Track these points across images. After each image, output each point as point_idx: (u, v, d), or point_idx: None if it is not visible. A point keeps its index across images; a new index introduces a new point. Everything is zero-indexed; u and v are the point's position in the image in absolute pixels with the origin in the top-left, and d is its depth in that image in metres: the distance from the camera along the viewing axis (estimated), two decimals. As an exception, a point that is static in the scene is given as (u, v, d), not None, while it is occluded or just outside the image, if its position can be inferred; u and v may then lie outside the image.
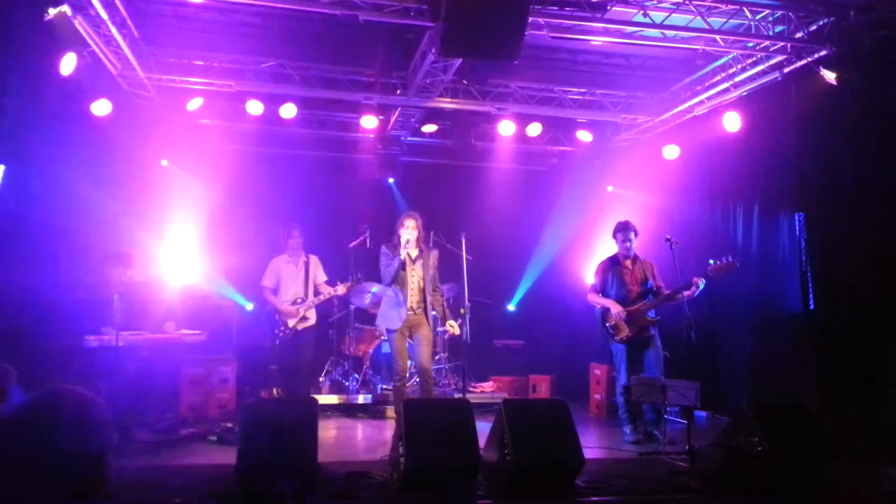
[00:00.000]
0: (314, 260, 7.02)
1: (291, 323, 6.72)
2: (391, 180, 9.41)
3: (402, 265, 6.04)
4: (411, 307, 6.04)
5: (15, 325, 5.59)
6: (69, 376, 5.40)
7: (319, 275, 6.99)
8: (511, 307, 9.60)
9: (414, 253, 6.11)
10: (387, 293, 6.16)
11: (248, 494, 4.05)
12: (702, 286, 5.96)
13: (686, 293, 5.96)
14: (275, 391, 7.11)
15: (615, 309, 6.26)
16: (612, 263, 6.48)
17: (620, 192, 9.10)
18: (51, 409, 1.66)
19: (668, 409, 6.41)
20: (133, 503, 3.98)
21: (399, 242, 6.02)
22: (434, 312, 6.24)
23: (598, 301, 6.45)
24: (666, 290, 6.25)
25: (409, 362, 6.23)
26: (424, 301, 6.08)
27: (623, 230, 6.41)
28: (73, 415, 1.69)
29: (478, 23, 5.20)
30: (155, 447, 5.45)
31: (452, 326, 6.35)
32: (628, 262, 6.42)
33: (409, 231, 6.01)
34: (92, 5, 5.54)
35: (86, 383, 5.42)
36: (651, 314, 6.29)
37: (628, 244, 6.38)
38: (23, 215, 6.14)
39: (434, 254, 6.24)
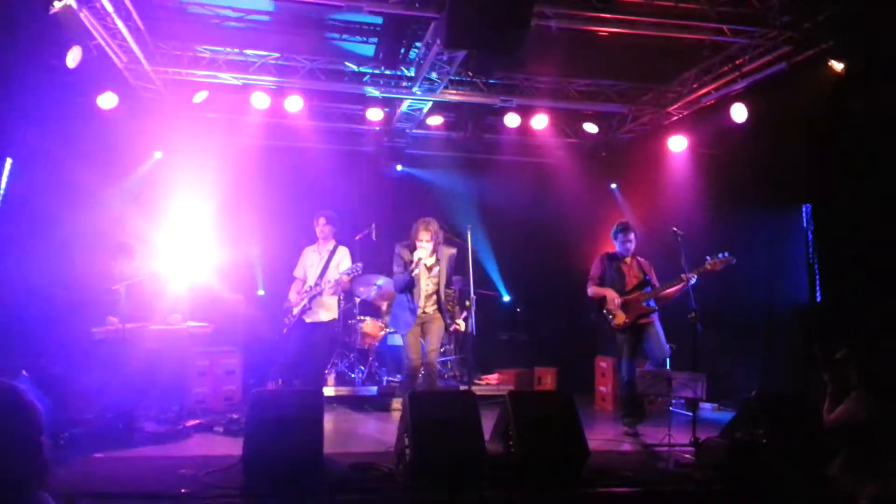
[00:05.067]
0: (342, 251, 6.62)
1: (296, 311, 6.50)
2: (399, 167, 9.38)
3: (415, 282, 5.92)
4: (423, 309, 6.02)
5: (22, 318, 5.62)
6: (75, 368, 5.45)
7: (343, 266, 6.53)
8: (506, 298, 9.55)
9: (430, 262, 6.01)
10: (398, 295, 6.12)
11: (255, 485, 4.07)
12: (692, 282, 5.94)
13: (674, 288, 6.04)
14: (273, 384, 7.08)
15: (611, 295, 6.36)
16: (611, 258, 6.57)
17: (625, 188, 9.08)
18: None
19: (673, 401, 6.41)
20: (140, 494, 4.01)
21: (415, 248, 5.87)
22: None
23: (596, 291, 6.52)
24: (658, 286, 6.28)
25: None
26: (439, 302, 6.06)
27: (623, 231, 6.48)
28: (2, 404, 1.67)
29: (482, 14, 5.17)
30: (161, 438, 5.47)
31: (458, 324, 6.36)
32: (627, 259, 6.51)
33: (423, 244, 5.84)
34: (97, -2, 5.55)
35: (92, 375, 5.49)
36: (649, 304, 6.32)
37: (629, 245, 6.46)
38: (29, 207, 6.17)
39: (450, 253, 6.11)
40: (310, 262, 6.63)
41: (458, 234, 6.84)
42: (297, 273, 6.71)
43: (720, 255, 5.96)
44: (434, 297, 6.07)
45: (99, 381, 5.46)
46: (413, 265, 5.83)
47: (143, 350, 5.69)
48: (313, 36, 7.11)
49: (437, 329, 6.04)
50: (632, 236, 6.46)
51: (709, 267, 5.97)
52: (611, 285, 6.42)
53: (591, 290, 6.57)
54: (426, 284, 6.04)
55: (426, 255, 5.91)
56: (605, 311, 6.43)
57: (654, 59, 7.56)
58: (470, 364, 6.85)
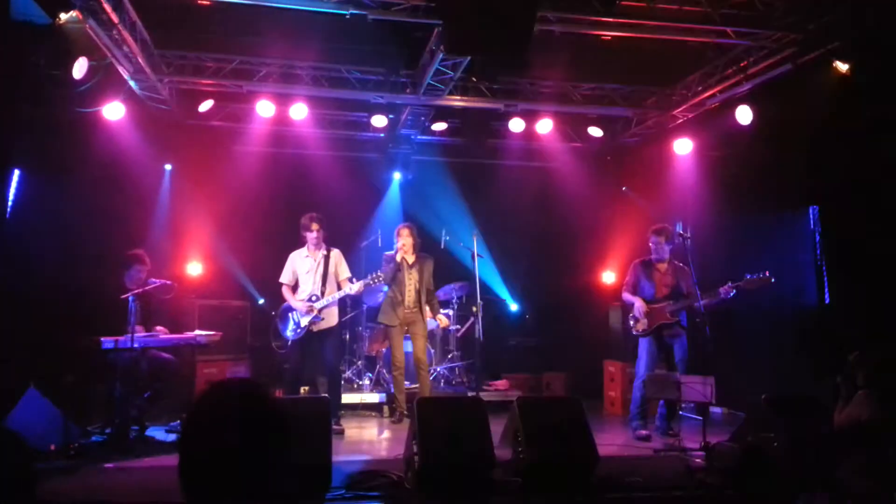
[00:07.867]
0: (336, 254, 6.50)
1: (304, 322, 6.32)
2: (399, 175, 9.35)
3: (399, 268, 6.77)
4: (408, 306, 6.81)
5: (31, 327, 5.65)
6: (85, 377, 5.46)
7: (342, 270, 6.49)
8: (514, 307, 9.51)
9: (411, 259, 6.81)
10: (388, 293, 6.81)
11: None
12: (731, 295, 5.90)
13: (710, 300, 5.95)
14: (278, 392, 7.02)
15: (637, 304, 6.37)
16: (644, 265, 6.55)
17: (634, 190, 9.05)
18: None
19: (683, 405, 6.38)
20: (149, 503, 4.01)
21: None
22: (428, 309, 6.91)
23: (627, 298, 6.56)
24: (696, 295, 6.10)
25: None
26: (419, 301, 6.81)
27: (655, 234, 6.43)
28: None
29: (486, 20, 5.18)
30: (171, 447, 5.47)
31: (441, 319, 7.00)
32: (661, 265, 6.46)
33: (402, 239, 6.71)
34: (103, 9, 5.57)
35: (102, 385, 5.50)
36: (673, 314, 6.24)
37: (657, 247, 6.41)
38: (37, 218, 6.20)
39: (430, 262, 6.92)
40: (305, 269, 6.44)
41: (464, 239, 6.90)
42: (285, 279, 6.50)
43: (759, 275, 5.85)
44: (417, 295, 6.80)
45: (109, 391, 5.48)
46: (397, 253, 6.67)
47: (152, 359, 5.71)
48: (317, 43, 7.13)
49: (420, 331, 6.83)
50: (654, 240, 6.40)
51: (743, 285, 5.89)
52: (642, 293, 6.44)
53: (624, 296, 6.64)
54: (409, 280, 6.78)
55: (408, 245, 6.70)
56: (629, 318, 6.54)
57: (658, 62, 7.56)
58: (478, 370, 6.84)
